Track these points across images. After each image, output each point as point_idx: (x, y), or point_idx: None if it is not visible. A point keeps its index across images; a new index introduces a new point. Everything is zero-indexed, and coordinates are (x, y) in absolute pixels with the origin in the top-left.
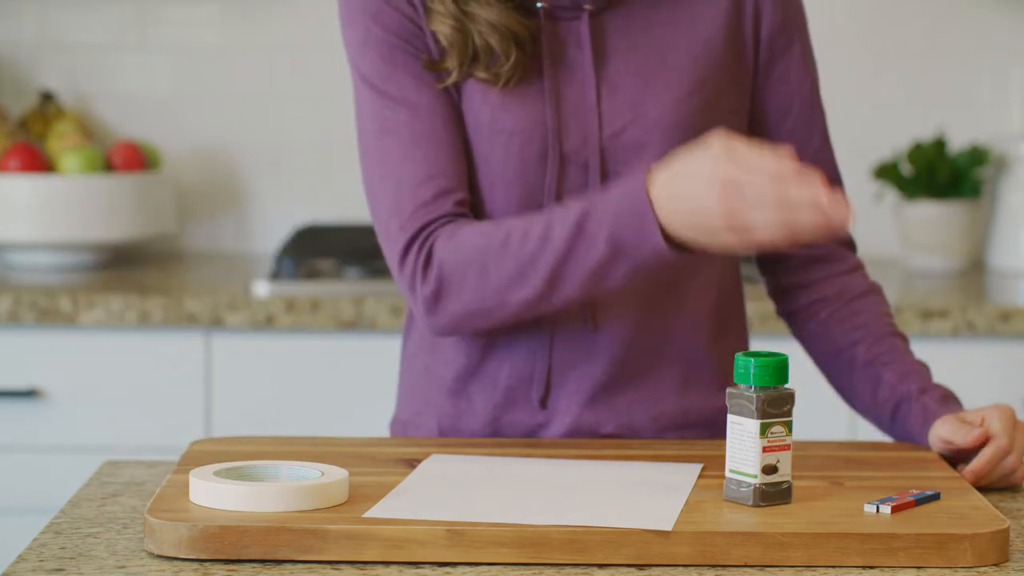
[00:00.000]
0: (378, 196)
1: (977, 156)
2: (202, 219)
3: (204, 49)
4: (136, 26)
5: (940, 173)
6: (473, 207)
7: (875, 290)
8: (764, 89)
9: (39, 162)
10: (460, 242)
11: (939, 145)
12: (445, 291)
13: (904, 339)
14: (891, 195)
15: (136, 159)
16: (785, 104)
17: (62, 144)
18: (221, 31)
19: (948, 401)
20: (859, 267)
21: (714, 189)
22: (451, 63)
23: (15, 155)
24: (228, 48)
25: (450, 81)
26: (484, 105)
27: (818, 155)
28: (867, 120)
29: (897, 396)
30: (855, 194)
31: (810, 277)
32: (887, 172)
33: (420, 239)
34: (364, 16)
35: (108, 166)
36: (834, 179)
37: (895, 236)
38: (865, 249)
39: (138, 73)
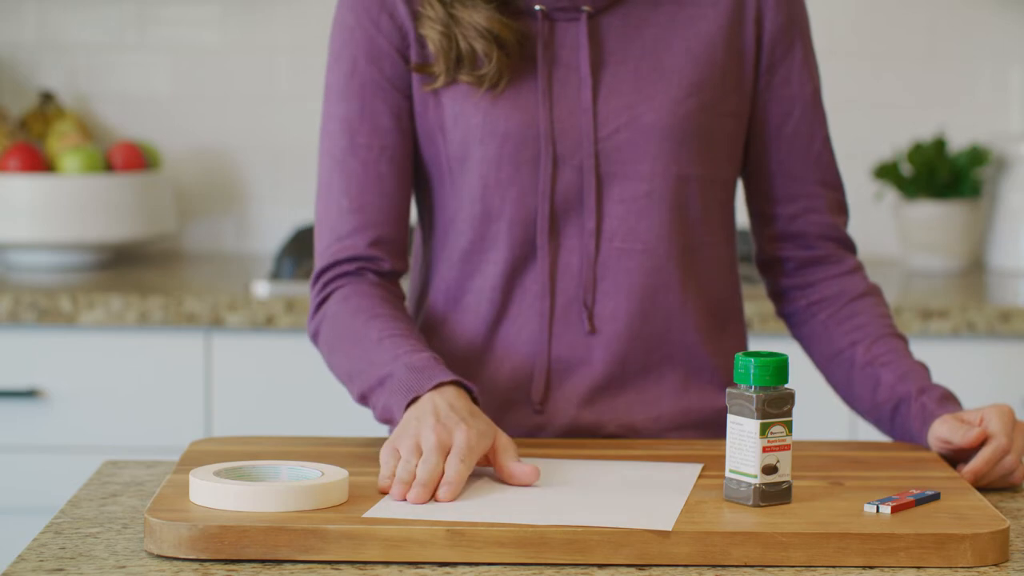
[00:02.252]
0: (316, 205)
1: (977, 156)
2: (202, 219)
3: (204, 49)
4: (136, 26)
5: (940, 173)
6: (468, 210)
7: (874, 291)
8: (766, 92)
9: (39, 162)
10: (340, 311)
11: (939, 145)
12: (317, 337)
13: (903, 340)
14: (891, 195)
15: (136, 159)
16: (787, 108)
17: (62, 144)
18: (221, 31)
19: (947, 401)
20: (858, 268)
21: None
22: (438, 68)
23: (15, 155)
24: (228, 48)
25: (437, 85)
26: (476, 108)
27: (819, 158)
28: (867, 120)
29: (896, 396)
30: (855, 194)
31: (809, 279)
32: (887, 172)
33: (326, 277)
34: (345, 26)
35: (108, 166)
36: (835, 182)
37: (895, 236)
38: (865, 249)
39: (138, 73)
